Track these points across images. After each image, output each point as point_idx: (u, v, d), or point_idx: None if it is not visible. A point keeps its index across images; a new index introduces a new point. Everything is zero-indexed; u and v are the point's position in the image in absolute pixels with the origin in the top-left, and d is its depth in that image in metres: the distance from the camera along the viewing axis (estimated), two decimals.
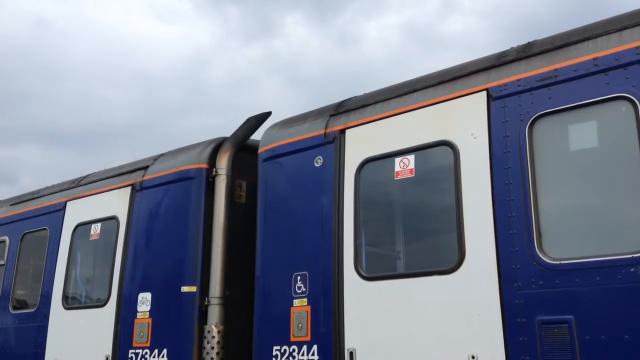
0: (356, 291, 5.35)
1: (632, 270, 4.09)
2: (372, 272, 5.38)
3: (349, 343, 5.28)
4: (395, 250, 5.70)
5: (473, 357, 4.59)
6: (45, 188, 9.46)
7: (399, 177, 5.39)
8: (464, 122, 5.13)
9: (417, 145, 5.36)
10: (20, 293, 8.95)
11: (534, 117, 4.78)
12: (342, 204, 5.65)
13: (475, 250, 4.78)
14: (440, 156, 5.23)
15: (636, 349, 3.97)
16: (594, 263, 4.24)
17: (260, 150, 6.61)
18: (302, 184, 6.07)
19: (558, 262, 4.39)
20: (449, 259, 4.93)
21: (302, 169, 6.11)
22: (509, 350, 4.43)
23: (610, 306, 4.13)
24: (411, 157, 5.36)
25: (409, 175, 5.34)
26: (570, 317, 4.23)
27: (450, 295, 4.82)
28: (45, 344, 7.88)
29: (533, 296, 4.43)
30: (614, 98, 4.48)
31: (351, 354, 5.23)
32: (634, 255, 4.10)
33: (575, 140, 4.73)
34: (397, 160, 5.42)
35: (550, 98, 4.76)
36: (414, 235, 5.56)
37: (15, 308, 8.72)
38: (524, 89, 4.91)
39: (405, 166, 5.36)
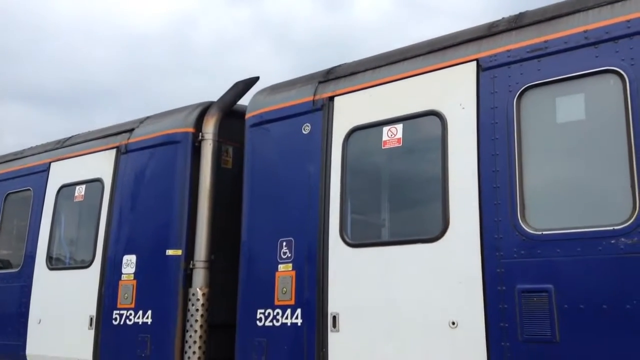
0: (341, 257, 5.41)
1: (612, 242, 4.17)
2: (357, 239, 5.44)
3: (333, 307, 5.36)
4: (380, 218, 5.75)
5: (453, 323, 4.69)
6: (29, 148, 9.35)
7: (387, 147, 5.41)
8: (453, 92, 5.13)
9: (406, 115, 5.36)
10: (3, 253, 8.94)
11: (523, 88, 4.79)
12: (329, 171, 5.66)
13: (459, 220, 4.84)
14: (428, 126, 5.23)
15: (613, 318, 4.09)
16: (575, 234, 4.32)
17: (247, 116, 6.57)
18: (289, 150, 6.06)
19: (540, 233, 4.46)
20: (433, 227, 4.99)
21: (289, 136, 6.09)
22: (489, 317, 4.54)
23: (589, 276, 4.23)
24: (399, 127, 5.36)
25: (397, 145, 5.35)
26: (550, 286, 4.32)
27: (433, 263, 4.90)
28: (29, 304, 7.91)
29: (514, 265, 4.52)
30: (602, 71, 4.50)
31: (334, 318, 5.32)
32: (615, 228, 4.18)
33: (562, 112, 4.76)
34: (385, 129, 5.42)
35: (539, 70, 4.76)
36: (400, 204, 5.61)
37: None
38: (514, 60, 4.90)
39: (393, 135, 5.37)
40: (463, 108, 5.04)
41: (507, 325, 4.44)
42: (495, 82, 4.94)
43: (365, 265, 5.26)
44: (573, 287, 4.26)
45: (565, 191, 4.63)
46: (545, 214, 4.62)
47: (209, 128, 6.85)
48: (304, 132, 5.98)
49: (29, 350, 7.71)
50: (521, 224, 4.55)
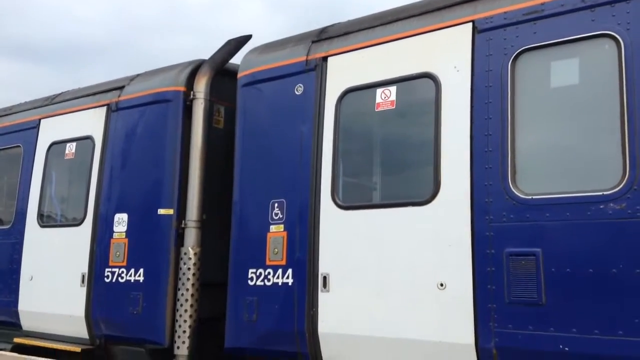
0: (332, 219, 5.44)
1: (601, 207, 4.22)
2: (348, 201, 5.46)
3: (323, 268, 5.42)
4: (372, 181, 5.77)
5: (442, 285, 4.76)
6: (18, 104, 9.22)
7: (380, 109, 5.37)
8: (448, 55, 5.08)
9: (399, 77, 5.31)
10: None
11: (518, 51, 4.75)
12: (321, 133, 5.63)
13: (450, 183, 4.86)
14: (421, 88, 5.19)
15: (599, 281, 4.16)
16: (565, 199, 4.36)
17: (239, 75, 6.48)
18: (281, 111, 6.01)
19: (530, 197, 4.49)
20: (424, 190, 5.01)
21: (282, 96, 6.03)
22: (477, 279, 4.61)
23: (577, 241, 4.28)
24: (393, 89, 5.32)
25: (390, 107, 5.32)
26: (538, 249, 4.38)
27: (423, 225, 4.94)
28: (21, 261, 7.94)
29: (503, 229, 4.56)
30: (598, 35, 4.46)
31: (324, 278, 5.38)
32: (605, 193, 4.22)
33: (556, 77, 4.73)
34: (379, 91, 5.37)
35: (535, 33, 4.71)
36: (391, 167, 5.61)
37: None
38: (510, 22, 4.84)
39: (386, 97, 5.33)
40: (457, 70, 4.99)
41: (494, 287, 4.52)
42: (490, 44, 4.88)
43: (356, 227, 5.29)
44: (561, 251, 4.32)
45: (556, 156, 4.64)
46: (535, 178, 4.64)
47: (201, 87, 6.76)
48: (296, 92, 5.92)
49: (21, 306, 7.79)
50: (512, 188, 4.57)
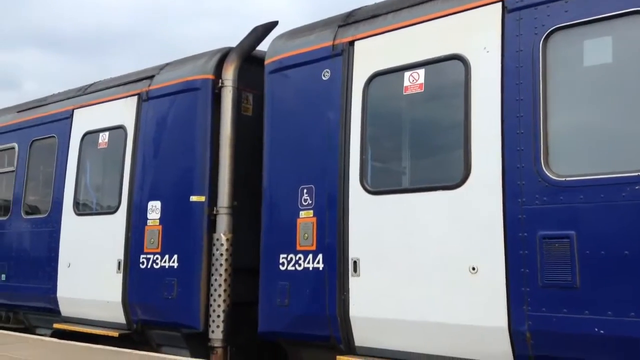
0: (361, 204, 5.45)
1: (637, 187, 4.13)
2: (377, 186, 5.46)
3: (353, 253, 5.45)
4: (401, 166, 5.75)
5: (473, 269, 4.74)
6: (52, 95, 9.42)
7: (408, 92, 5.33)
8: (477, 36, 5.00)
9: (428, 59, 5.26)
10: (31, 199, 9.15)
11: (549, 31, 4.65)
12: (349, 118, 5.63)
13: (481, 166, 4.81)
14: (450, 70, 5.14)
15: (634, 264, 4.09)
16: (599, 180, 4.28)
17: (266, 62, 6.50)
18: (309, 97, 6.02)
19: (563, 179, 4.43)
20: (454, 174, 4.97)
21: (309, 82, 6.04)
22: (509, 262, 4.57)
23: (612, 223, 4.21)
24: (421, 72, 5.27)
25: (418, 90, 5.28)
26: (572, 232, 4.32)
27: (453, 209, 4.91)
28: (59, 249, 8.15)
29: (536, 212, 4.51)
30: (631, 12, 4.33)
31: (355, 263, 5.41)
32: None
33: (589, 55, 4.63)
34: (407, 74, 5.33)
35: (566, 11, 4.60)
36: (421, 151, 5.58)
37: (27, 213, 8.95)
38: (541, 1, 4.73)
39: (414, 81, 5.29)
40: (487, 52, 4.92)
41: (527, 270, 4.48)
42: (520, 24, 4.79)
43: (386, 212, 5.30)
44: (595, 234, 4.25)
45: (590, 137, 4.56)
46: (569, 160, 4.57)
47: (229, 75, 6.81)
48: (323, 78, 5.92)
49: (60, 292, 8.02)
50: (544, 170, 4.51)
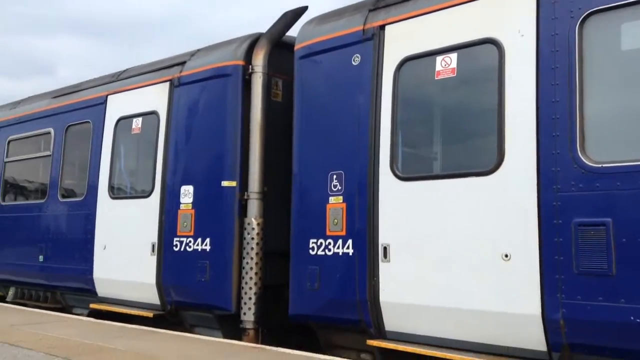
0: (391, 191, 5.44)
1: None
2: (407, 172, 5.43)
3: (383, 239, 5.45)
4: (432, 151, 5.71)
5: (506, 256, 4.71)
6: (86, 81, 9.58)
7: (440, 77, 5.28)
8: (511, 19, 4.90)
9: (460, 44, 5.18)
10: (67, 182, 9.36)
11: (586, 14, 4.53)
12: (379, 103, 5.60)
13: (515, 152, 4.75)
14: (484, 55, 5.05)
15: None
16: (637, 167, 4.19)
17: (296, 48, 6.49)
18: (339, 82, 6.00)
19: (600, 166, 4.34)
20: (487, 160, 4.92)
21: (339, 67, 6.01)
22: (543, 250, 4.52)
23: None
24: (453, 56, 5.20)
25: (451, 75, 5.21)
26: (608, 219, 4.25)
27: (486, 196, 4.87)
28: (94, 231, 8.35)
29: (572, 199, 4.44)
30: None
31: (385, 248, 5.42)
32: None
33: (627, 39, 4.50)
34: (439, 59, 5.27)
35: None
36: (452, 137, 5.53)
37: (63, 196, 9.17)
38: None
39: (446, 65, 5.22)
40: (522, 35, 4.82)
41: (562, 258, 4.43)
42: (556, 7, 4.68)
43: (417, 198, 5.28)
44: (632, 221, 4.17)
45: (627, 122, 4.45)
46: (605, 146, 4.47)
47: (259, 60, 6.83)
48: (353, 63, 5.89)
49: (96, 274, 8.23)
50: (580, 156, 4.43)
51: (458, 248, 4.98)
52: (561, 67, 4.58)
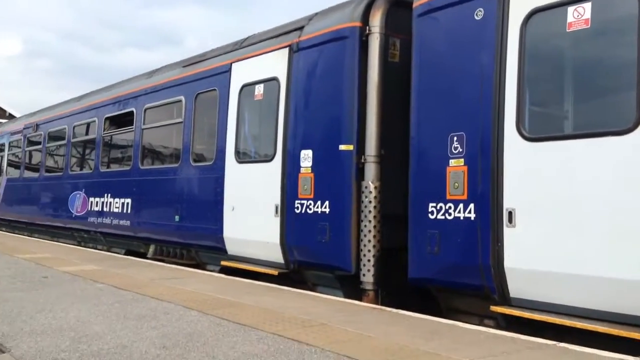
0: (517, 152, 5.17)
1: None
2: (535, 132, 5.12)
3: (508, 203, 5.23)
4: (562, 110, 5.32)
5: None
6: (211, 50, 10.01)
7: (572, 29, 4.86)
8: None
9: None
10: (198, 147, 9.94)
11: None
12: (504, 60, 5.29)
13: None
14: (621, 3, 4.57)
15: None
16: None
17: (415, 5, 6.28)
18: (460, 39, 5.74)
19: None
20: (625, 118, 4.50)
21: (460, 24, 5.74)
22: None
23: None
24: (587, 6, 4.75)
25: (584, 27, 4.78)
26: None
27: (624, 157, 4.47)
28: (223, 193, 8.83)
29: None
30: None
31: (510, 213, 5.20)
32: None
33: None
34: (570, 9, 4.84)
35: None
36: (586, 93, 5.11)
37: (195, 161, 9.76)
38: None
39: (579, 16, 4.79)
40: None
41: None
42: None
43: (545, 160, 4.98)
44: None
45: None
46: None
47: (376, 21, 6.71)
48: (476, 17, 5.60)
49: (226, 233, 8.74)
50: None
51: (590, 212, 4.65)
52: None
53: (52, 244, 13.35)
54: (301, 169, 7.44)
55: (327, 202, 7.11)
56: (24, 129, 17.22)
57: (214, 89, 9.32)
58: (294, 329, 4.95)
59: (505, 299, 5.32)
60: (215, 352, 4.21)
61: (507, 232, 5.22)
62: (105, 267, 9.04)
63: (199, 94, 9.78)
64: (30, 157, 16.90)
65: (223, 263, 8.78)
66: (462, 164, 5.59)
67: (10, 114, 36.42)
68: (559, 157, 4.89)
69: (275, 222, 7.78)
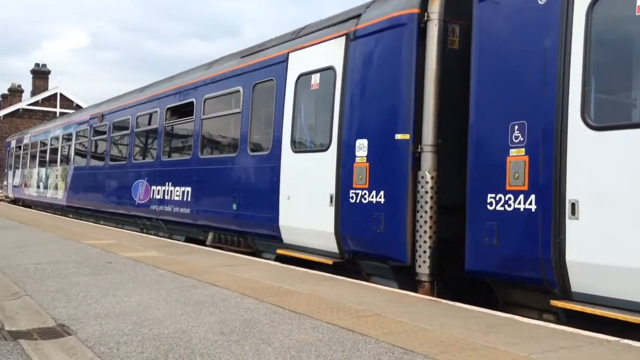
0: (582, 141, 4.97)
1: None
2: (602, 121, 4.90)
3: (571, 194, 5.04)
4: (630, 97, 5.07)
5: None
6: (269, 40, 10.08)
7: None
8: None
9: None
10: (255, 137, 10.06)
11: None
12: (569, 46, 5.08)
13: None
14: None
15: None
16: None
17: None
18: (522, 24, 5.55)
19: None
20: None
21: (522, 8, 5.55)
22: None
23: None
24: None
25: None
26: None
27: None
28: (279, 182, 8.91)
29: None
30: None
31: (573, 205, 5.01)
32: None
33: None
34: None
35: None
36: None
37: (252, 150, 9.89)
38: None
39: None
40: None
41: None
42: None
43: (612, 149, 4.76)
44: None
45: None
46: None
47: (435, 7, 6.57)
48: (540, 2, 5.39)
49: (282, 222, 8.82)
50: None
51: None
52: None
53: (116, 231, 13.88)
54: (356, 158, 7.41)
55: (382, 192, 7.06)
56: (90, 119, 17.93)
57: (271, 79, 9.39)
58: (348, 318, 4.95)
59: (566, 293, 5.15)
60: (271, 339, 4.27)
61: (570, 225, 5.03)
62: (166, 253, 9.32)
63: (256, 84, 9.87)
64: (96, 146, 17.58)
65: (279, 251, 8.88)
66: (523, 153, 5.42)
67: (77, 105, 38.03)
68: (626, 147, 4.66)
69: (330, 212, 7.79)
